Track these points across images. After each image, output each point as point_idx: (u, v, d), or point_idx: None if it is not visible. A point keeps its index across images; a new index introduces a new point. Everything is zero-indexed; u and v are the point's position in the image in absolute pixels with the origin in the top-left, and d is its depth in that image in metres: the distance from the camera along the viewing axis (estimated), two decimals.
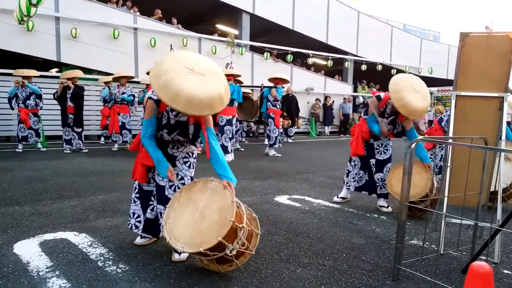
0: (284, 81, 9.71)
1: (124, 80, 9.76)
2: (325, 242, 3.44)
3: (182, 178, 3.05)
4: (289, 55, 16.70)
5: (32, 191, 4.99)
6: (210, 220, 2.59)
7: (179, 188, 2.96)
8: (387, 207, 4.56)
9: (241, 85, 9.77)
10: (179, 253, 2.93)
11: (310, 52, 17.15)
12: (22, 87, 8.88)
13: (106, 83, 10.06)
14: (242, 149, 10.54)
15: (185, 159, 3.10)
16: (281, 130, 10.60)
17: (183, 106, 2.52)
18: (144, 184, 3.18)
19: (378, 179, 4.59)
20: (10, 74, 10.22)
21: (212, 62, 2.87)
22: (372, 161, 4.65)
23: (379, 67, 19.32)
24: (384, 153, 4.59)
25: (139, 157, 3.11)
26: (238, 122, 10.84)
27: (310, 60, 17.37)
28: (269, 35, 17.32)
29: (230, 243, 2.53)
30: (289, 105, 12.98)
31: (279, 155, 9.54)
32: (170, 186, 3.02)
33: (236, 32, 16.37)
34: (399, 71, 18.73)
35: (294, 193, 5.30)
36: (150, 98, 2.92)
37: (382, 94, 4.50)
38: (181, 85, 2.52)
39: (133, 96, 9.82)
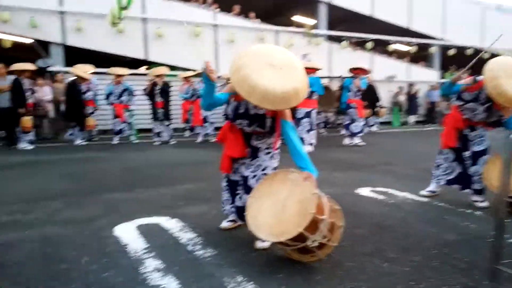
0: (364, 71, 9.39)
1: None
2: (413, 237, 3.28)
3: (264, 169, 3.14)
4: (368, 43, 16.07)
5: (127, 180, 5.44)
6: (291, 211, 2.62)
7: (261, 178, 3.05)
8: (482, 202, 4.21)
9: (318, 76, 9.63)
10: (262, 241, 3.01)
11: (391, 38, 16.34)
12: (117, 84, 9.67)
13: (185, 78, 10.57)
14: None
15: (267, 150, 3.18)
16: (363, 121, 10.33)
17: (259, 100, 2.61)
18: (230, 174, 3.32)
19: (473, 173, 4.25)
20: (105, 73, 11.22)
21: (291, 55, 2.90)
22: (467, 153, 4.30)
23: (470, 51, 17.76)
24: (480, 144, 4.23)
25: (225, 149, 3.25)
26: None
27: (391, 47, 16.54)
28: (346, 24, 16.82)
29: (311, 235, 2.54)
30: (368, 94, 12.49)
31: (364, 143, 9.31)
32: (253, 177, 3.13)
33: (313, 22, 16.16)
34: (493, 55, 17.09)
35: (377, 185, 5.12)
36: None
37: (479, 77, 4.12)
38: (257, 80, 2.61)
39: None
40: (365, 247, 3.06)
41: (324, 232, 2.60)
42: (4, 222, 3.63)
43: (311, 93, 8.26)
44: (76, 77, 9.52)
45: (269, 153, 3.18)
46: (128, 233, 3.35)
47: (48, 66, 11.11)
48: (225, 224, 3.46)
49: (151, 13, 12.29)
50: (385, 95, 15.60)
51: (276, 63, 2.73)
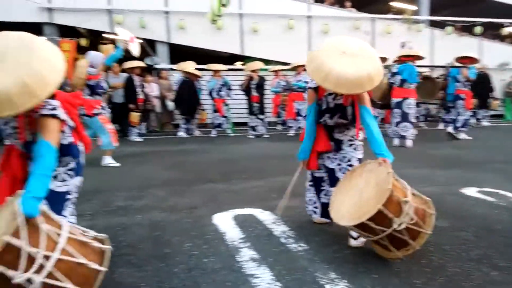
0: (473, 60, 8.57)
1: (300, 68, 10.18)
2: None
3: (349, 160, 3.19)
4: (477, 27, 14.56)
5: (224, 171, 5.72)
6: (369, 195, 2.64)
7: (347, 169, 3.13)
8: None
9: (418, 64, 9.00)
10: (355, 239, 2.97)
11: (504, 21, 14.60)
12: (218, 78, 10.16)
13: (275, 72, 10.67)
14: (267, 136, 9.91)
15: (350, 142, 3.23)
16: (470, 113, 9.48)
17: (334, 84, 2.72)
18: (315, 170, 3.38)
19: None
20: (203, 69, 11.87)
21: (365, 44, 3.00)
22: None
23: None
24: None
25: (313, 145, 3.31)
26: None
27: (506, 30, 14.77)
28: (451, 8, 15.45)
29: (395, 217, 2.46)
30: (481, 84, 11.33)
31: (470, 138, 8.57)
32: (340, 169, 3.19)
33: (413, 8, 15.14)
34: None
35: (485, 185, 4.67)
36: (309, 87, 3.22)
37: None
38: (332, 66, 2.75)
39: (306, 83, 10.15)
40: (471, 252, 2.83)
41: (410, 215, 2.50)
42: (119, 207, 4.08)
43: (402, 82, 7.76)
44: (187, 74, 10.10)
45: (352, 144, 3.22)
46: (225, 222, 3.55)
47: (155, 64, 12.07)
48: (317, 218, 3.48)
49: (247, 8, 12.64)
50: (496, 85, 14.05)
51: (350, 51, 2.84)
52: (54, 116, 2.15)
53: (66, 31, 11.74)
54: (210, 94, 10.35)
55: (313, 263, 2.71)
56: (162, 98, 11.01)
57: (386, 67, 7.99)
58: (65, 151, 2.35)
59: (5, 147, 2.38)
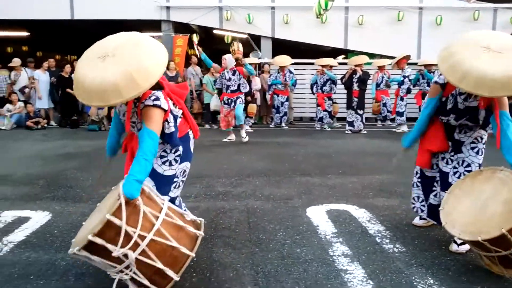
0: None
1: (402, 62, 9.66)
2: None
3: (468, 165, 2.91)
4: None
5: (319, 165, 5.72)
6: (493, 211, 2.36)
7: (464, 175, 2.85)
8: None
9: None
10: (458, 245, 2.78)
11: None
12: (321, 74, 10.11)
13: (380, 67, 10.22)
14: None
15: (473, 145, 2.93)
16: None
17: (473, 86, 2.39)
18: (427, 169, 3.15)
19: None
20: (304, 63, 11.89)
21: None
22: None
23: None
24: None
25: (423, 142, 3.09)
26: None
27: None
28: None
29: None
30: None
31: None
32: (454, 173, 2.93)
33: None
34: None
35: None
36: (436, 82, 2.93)
37: None
38: (471, 64, 2.41)
39: (404, 77, 9.72)
40: None
41: None
42: (220, 192, 4.35)
43: None
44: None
45: (474, 147, 2.92)
46: (319, 216, 3.58)
47: (259, 58, 12.43)
48: (418, 221, 3.33)
49: (353, 1, 12.30)
50: None
51: (494, 47, 2.47)
52: (156, 106, 2.29)
53: (180, 27, 12.70)
54: (311, 88, 10.36)
55: (409, 266, 2.62)
56: (263, 92, 11.31)
57: None
58: (168, 139, 2.49)
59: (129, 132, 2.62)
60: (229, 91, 7.57)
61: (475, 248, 2.45)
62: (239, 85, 7.55)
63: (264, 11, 12.45)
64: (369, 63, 10.76)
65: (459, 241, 2.75)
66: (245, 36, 12.22)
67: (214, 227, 3.30)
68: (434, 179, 3.11)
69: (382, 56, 12.09)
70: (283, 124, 10.54)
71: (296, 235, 3.13)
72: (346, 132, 9.65)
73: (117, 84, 2.06)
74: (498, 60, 2.40)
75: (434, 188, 3.11)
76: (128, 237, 1.97)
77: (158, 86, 2.37)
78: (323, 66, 10.08)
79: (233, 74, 7.54)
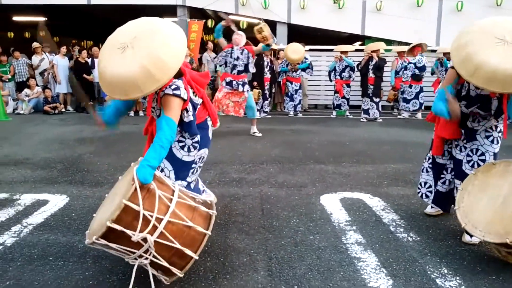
0: None
1: (416, 49, 9.50)
2: None
3: (482, 154, 2.86)
4: None
5: (334, 153, 5.69)
6: None
7: (478, 164, 2.81)
8: None
9: None
10: (471, 236, 2.74)
11: None
12: (339, 61, 9.97)
13: (399, 53, 10.03)
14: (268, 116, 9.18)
15: (487, 133, 2.87)
16: None
17: (483, 82, 2.35)
18: (439, 156, 3.12)
19: None
20: (320, 50, 11.73)
21: None
22: None
23: None
24: None
25: (437, 129, 3.06)
26: None
27: None
28: None
29: None
30: None
31: None
32: (468, 161, 2.90)
33: None
34: None
35: None
36: (452, 67, 2.81)
37: None
38: (484, 58, 2.33)
39: (410, 63, 9.71)
40: None
41: None
42: (234, 179, 4.37)
43: None
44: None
45: (489, 136, 2.86)
46: (332, 204, 3.57)
47: (275, 44, 12.31)
48: (429, 209, 3.31)
49: None
50: None
51: (511, 38, 2.38)
52: (176, 96, 2.31)
53: (195, 13, 12.64)
54: (329, 75, 10.22)
55: (423, 255, 2.60)
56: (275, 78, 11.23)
57: None
58: (187, 128, 2.55)
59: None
60: (234, 71, 6.67)
61: (498, 246, 2.42)
62: (246, 65, 6.73)
63: None
64: (389, 50, 10.57)
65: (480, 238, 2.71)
66: (257, 21, 12.10)
67: (228, 213, 3.33)
68: (444, 166, 3.10)
69: (400, 43, 11.86)
70: (297, 113, 10.48)
71: (309, 222, 3.14)
72: (361, 120, 9.55)
73: (135, 79, 2.08)
74: None
75: (442, 176, 3.11)
76: (146, 221, 1.99)
77: (178, 74, 2.37)
78: (342, 52, 9.91)
79: (241, 53, 6.71)
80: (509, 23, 2.50)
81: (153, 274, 2.10)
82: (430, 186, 3.23)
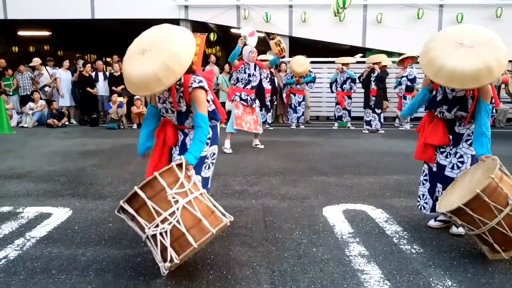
0: None
1: (407, 61, 9.76)
2: None
3: (461, 156, 3.05)
4: None
5: (336, 165, 5.69)
6: (473, 184, 2.64)
7: (457, 166, 3.04)
8: None
9: None
10: (457, 226, 2.96)
11: None
12: (341, 72, 10.05)
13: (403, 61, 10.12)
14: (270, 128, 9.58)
15: (467, 137, 3.07)
16: None
17: (445, 80, 2.69)
18: (434, 164, 3.24)
19: None
20: (321, 62, 11.81)
21: (488, 32, 2.82)
22: None
23: None
24: None
25: (425, 137, 3.20)
26: None
27: None
28: None
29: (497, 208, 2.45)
30: None
31: None
32: (452, 167, 3.08)
33: None
34: None
35: None
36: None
37: None
38: (444, 60, 2.68)
39: (402, 77, 9.91)
40: None
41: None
42: (236, 191, 4.38)
43: None
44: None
45: (468, 140, 3.07)
46: (335, 216, 3.56)
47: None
48: (433, 223, 3.30)
49: None
50: None
51: (467, 42, 2.73)
52: (202, 88, 2.67)
53: (198, 26, 12.78)
54: (331, 87, 10.30)
55: (427, 267, 2.59)
56: (280, 90, 11.30)
57: None
58: (212, 115, 2.91)
59: (162, 120, 2.97)
60: (249, 86, 6.63)
61: (467, 225, 2.61)
62: (260, 80, 6.81)
63: (282, 10, 12.42)
64: (394, 62, 10.65)
65: (459, 222, 2.76)
66: (262, 35, 12.22)
67: (231, 225, 3.31)
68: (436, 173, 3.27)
69: (400, 55, 11.94)
70: (300, 124, 10.51)
71: (312, 235, 3.13)
72: (363, 131, 9.57)
73: (157, 74, 2.40)
74: (468, 55, 2.65)
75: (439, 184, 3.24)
76: (181, 186, 2.36)
77: (191, 71, 2.70)
78: (343, 64, 10.01)
79: (254, 69, 6.69)
80: (468, 29, 2.88)
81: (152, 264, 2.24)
82: (427, 198, 3.33)
